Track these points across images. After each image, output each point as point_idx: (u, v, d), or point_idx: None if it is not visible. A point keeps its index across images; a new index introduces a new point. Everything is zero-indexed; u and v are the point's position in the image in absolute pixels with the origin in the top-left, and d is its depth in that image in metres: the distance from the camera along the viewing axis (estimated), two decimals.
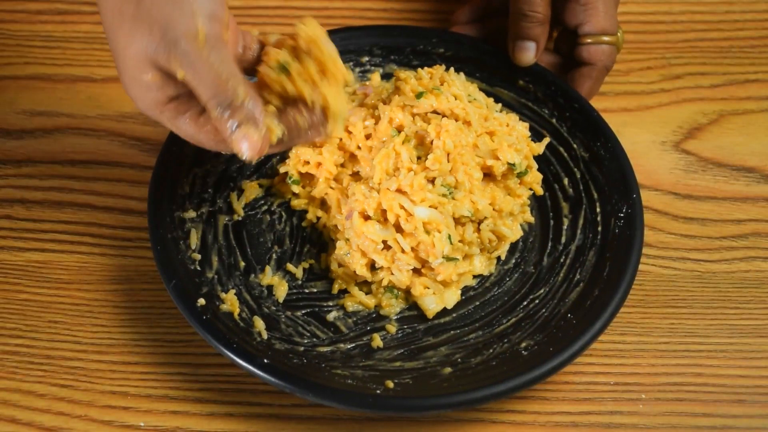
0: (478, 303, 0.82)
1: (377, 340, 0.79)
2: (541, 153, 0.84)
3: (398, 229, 0.79)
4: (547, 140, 0.84)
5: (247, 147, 0.68)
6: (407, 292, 0.81)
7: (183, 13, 0.66)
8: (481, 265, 0.82)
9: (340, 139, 0.82)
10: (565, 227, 0.85)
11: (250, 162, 0.70)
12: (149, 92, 0.69)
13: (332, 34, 0.75)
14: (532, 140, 0.84)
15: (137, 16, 0.67)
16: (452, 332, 0.80)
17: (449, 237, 0.78)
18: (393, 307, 0.81)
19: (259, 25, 0.98)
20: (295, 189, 0.84)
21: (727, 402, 0.78)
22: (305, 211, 0.85)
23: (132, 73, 0.68)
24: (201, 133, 0.71)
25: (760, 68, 0.98)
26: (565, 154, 0.87)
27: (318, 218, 0.84)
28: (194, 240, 0.81)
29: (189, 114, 0.70)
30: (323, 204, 0.84)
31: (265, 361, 0.73)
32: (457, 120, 0.81)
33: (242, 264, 0.82)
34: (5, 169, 0.89)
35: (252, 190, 0.85)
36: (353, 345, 0.79)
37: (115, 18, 0.68)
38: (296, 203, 0.85)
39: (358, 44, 0.90)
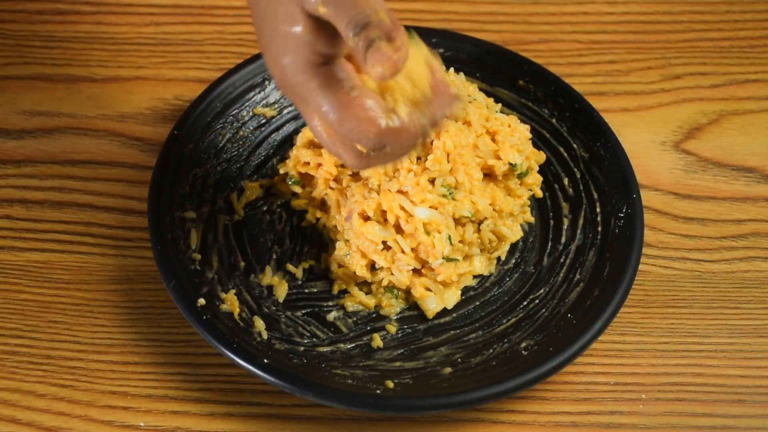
0: (478, 303, 0.82)
1: (377, 340, 0.79)
2: (542, 162, 0.84)
3: (398, 229, 0.79)
4: (544, 156, 0.84)
5: (377, 60, 0.64)
6: (407, 292, 0.81)
7: None
8: (481, 265, 0.82)
9: None
10: (565, 227, 0.85)
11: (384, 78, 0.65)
12: (300, 50, 0.66)
13: None
14: (532, 142, 0.84)
15: None
16: (452, 332, 0.80)
17: (449, 237, 0.78)
18: (393, 307, 0.81)
19: None
20: (295, 189, 0.84)
21: (727, 402, 0.78)
22: (305, 211, 0.85)
23: (284, 33, 0.66)
24: (348, 111, 0.66)
25: (760, 68, 0.98)
26: (565, 154, 0.87)
27: (318, 219, 0.84)
28: (194, 240, 0.81)
29: (335, 90, 0.66)
30: (323, 204, 0.84)
31: (265, 361, 0.73)
32: (457, 120, 0.81)
33: (242, 264, 0.82)
34: (5, 169, 0.89)
35: (252, 190, 0.85)
36: (353, 345, 0.79)
37: None
38: (296, 203, 0.85)
39: None
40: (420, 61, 0.69)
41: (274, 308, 0.80)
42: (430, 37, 0.91)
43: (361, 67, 0.66)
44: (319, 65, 0.67)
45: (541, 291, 0.81)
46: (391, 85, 0.68)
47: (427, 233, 0.78)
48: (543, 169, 0.86)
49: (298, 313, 0.80)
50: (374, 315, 0.81)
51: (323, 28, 0.66)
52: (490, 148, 0.81)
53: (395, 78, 0.67)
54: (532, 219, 0.85)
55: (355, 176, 0.82)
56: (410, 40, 0.68)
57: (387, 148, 0.67)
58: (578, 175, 0.86)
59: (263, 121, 0.88)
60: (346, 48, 0.68)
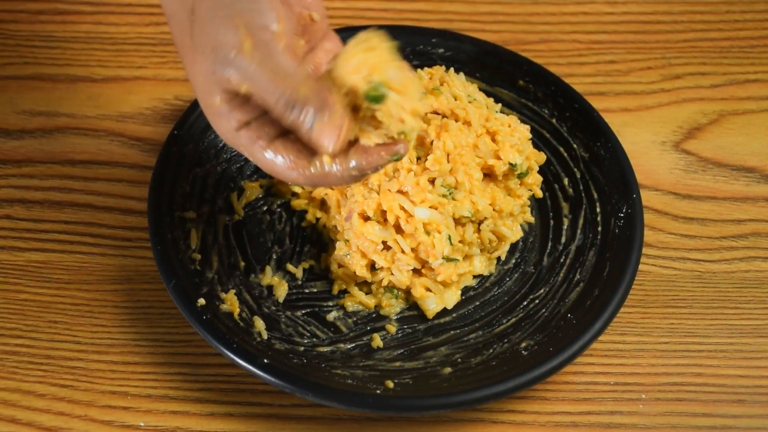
0: (478, 303, 0.82)
1: (377, 340, 0.79)
2: (542, 163, 0.84)
3: (398, 229, 0.79)
4: (544, 157, 0.84)
5: (326, 138, 0.66)
6: (407, 292, 0.81)
7: (227, 31, 0.66)
8: (481, 265, 0.82)
9: None
10: (565, 227, 0.85)
11: (334, 153, 0.66)
12: (221, 118, 0.69)
13: None
14: (532, 142, 0.84)
15: (193, 46, 0.68)
16: (452, 332, 0.80)
17: (449, 237, 0.78)
18: (393, 307, 0.81)
19: None
20: (295, 189, 0.84)
21: (727, 402, 0.78)
22: (305, 211, 0.85)
23: (204, 100, 0.69)
24: (277, 161, 0.69)
25: (760, 68, 0.99)
26: (565, 154, 0.87)
27: (318, 219, 0.84)
28: (194, 240, 0.81)
29: (262, 141, 0.69)
30: (323, 204, 0.84)
31: (265, 361, 0.73)
32: (457, 120, 0.81)
33: (242, 264, 0.82)
34: (5, 169, 0.89)
35: (252, 190, 0.85)
36: (353, 345, 0.79)
37: (182, 52, 0.69)
38: (296, 203, 0.85)
39: None
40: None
41: (274, 308, 0.80)
42: (430, 37, 0.91)
43: (305, 140, 0.67)
44: (238, 128, 0.69)
45: (541, 291, 0.81)
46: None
47: (427, 233, 0.78)
48: (543, 169, 0.86)
49: (298, 313, 0.80)
50: (374, 315, 0.81)
51: (239, 98, 0.68)
52: (490, 148, 0.81)
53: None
54: (532, 219, 0.85)
55: None
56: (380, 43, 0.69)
57: (319, 186, 0.70)
58: (578, 175, 0.86)
59: None
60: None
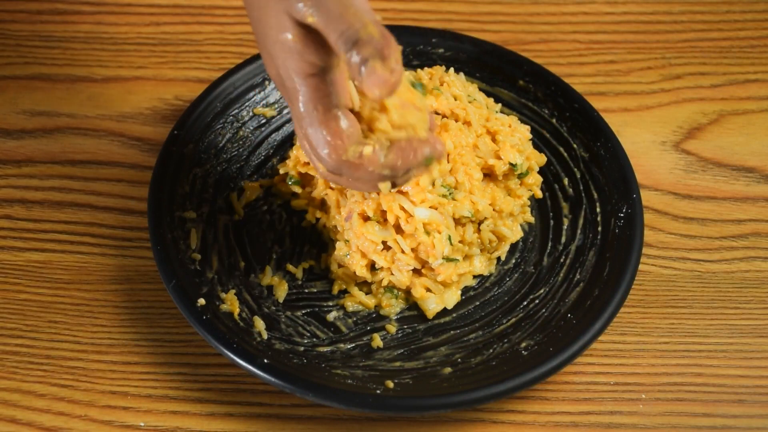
0: (478, 303, 0.82)
1: (377, 340, 0.79)
2: (542, 164, 0.84)
3: (398, 229, 0.79)
4: (545, 159, 0.84)
5: (373, 83, 0.64)
6: (407, 292, 0.81)
7: None
8: (481, 265, 0.82)
9: None
10: (565, 227, 0.85)
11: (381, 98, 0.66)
12: (293, 56, 0.67)
13: None
14: (532, 142, 0.84)
15: None
16: (452, 332, 0.80)
17: (449, 238, 0.78)
18: (393, 307, 0.81)
19: None
20: (295, 189, 0.84)
21: (727, 402, 0.78)
22: (305, 211, 0.85)
23: (276, 37, 0.68)
24: (319, 134, 0.68)
25: (760, 68, 0.98)
26: (565, 154, 0.87)
27: (318, 219, 0.84)
28: (194, 240, 0.81)
29: (323, 104, 0.68)
30: (323, 204, 0.84)
31: (265, 361, 0.73)
32: (457, 120, 0.81)
33: (242, 264, 0.82)
34: (5, 169, 0.89)
35: (252, 190, 0.85)
36: (353, 345, 0.79)
37: None
38: (296, 203, 0.85)
39: None
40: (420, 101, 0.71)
41: (274, 308, 0.80)
42: (430, 37, 0.91)
43: (356, 82, 0.66)
44: (308, 75, 0.68)
45: (541, 291, 0.81)
46: (386, 106, 0.69)
47: (427, 233, 0.78)
48: (543, 170, 0.86)
49: (298, 313, 0.80)
50: (374, 315, 0.81)
51: (313, 37, 0.67)
52: (491, 148, 0.81)
53: (392, 104, 0.69)
54: (532, 219, 0.85)
55: None
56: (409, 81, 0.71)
57: (343, 177, 0.69)
58: (578, 175, 0.86)
59: (263, 121, 0.88)
60: (338, 58, 0.68)
